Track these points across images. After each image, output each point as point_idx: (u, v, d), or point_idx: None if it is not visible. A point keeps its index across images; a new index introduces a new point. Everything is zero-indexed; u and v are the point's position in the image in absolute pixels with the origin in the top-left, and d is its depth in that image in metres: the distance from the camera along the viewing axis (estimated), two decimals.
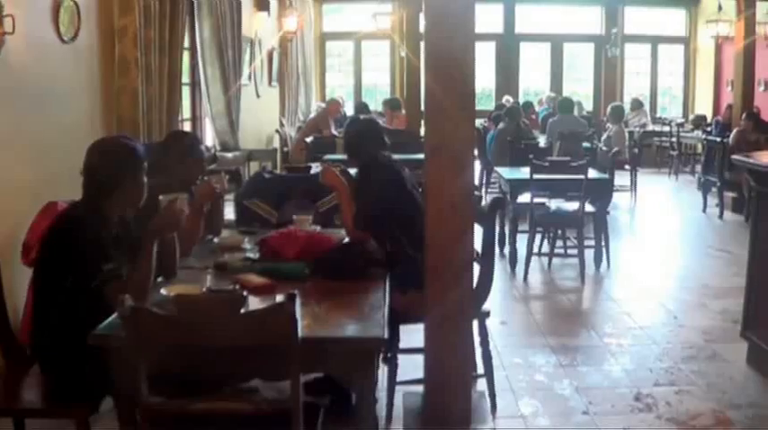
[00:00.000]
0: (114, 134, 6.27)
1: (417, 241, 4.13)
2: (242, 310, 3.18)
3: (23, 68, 5.35)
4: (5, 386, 3.89)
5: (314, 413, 3.41)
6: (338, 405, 4.31)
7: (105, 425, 3.85)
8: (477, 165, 13.31)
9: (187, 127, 9.93)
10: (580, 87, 20.68)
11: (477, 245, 4.51)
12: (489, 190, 13.20)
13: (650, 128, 18.20)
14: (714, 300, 7.51)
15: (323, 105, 15.83)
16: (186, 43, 8.91)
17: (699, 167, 14.61)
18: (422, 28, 4.07)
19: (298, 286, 3.74)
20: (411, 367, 4.66)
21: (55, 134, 5.69)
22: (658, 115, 19.92)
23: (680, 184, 16.08)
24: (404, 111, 14.14)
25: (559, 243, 9.12)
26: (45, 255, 3.82)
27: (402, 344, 4.84)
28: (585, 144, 12.41)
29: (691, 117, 19.04)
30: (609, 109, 14.50)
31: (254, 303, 3.59)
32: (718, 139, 12.54)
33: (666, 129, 17.92)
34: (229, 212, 6.33)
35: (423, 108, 4.03)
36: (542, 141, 13.06)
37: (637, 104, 18.52)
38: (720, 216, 12.05)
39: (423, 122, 4.30)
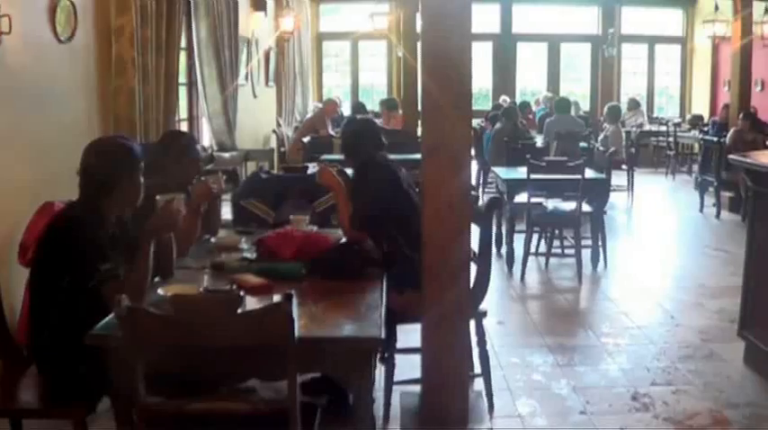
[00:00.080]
0: (111, 134, 6.27)
1: (414, 241, 4.13)
2: (239, 310, 3.17)
3: (20, 68, 5.35)
4: (2, 386, 3.89)
5: (311, 413, 3.41)
6: (335, 405, 4.32)
7: (102, 425, 3.85)
8: (474, 165, 13.31)
9: (184, 127, 9.92)
10: (577, 87, 20.68)
11: (474, 245, 4.51)
12: (486, 190, 13.19)
13: (647, 128, 18.19)
14: (711, 300, 7.52)
15: (320, 105, 15.84)
16: (183, 43, 8.90)
17: (696, 167, 14.60)
18: (419, 28, 4.05)
19: (294, 286, 3.75)
20: (408, 367, 4.67)
21: (52, 134, 5.69)
22: (655, 115, 19.94)
23: (677, 184, 16.09)
24: (401, 112, 14.13)
25: (556, 243, 9.12)
26: (42, 255, 3.82)
27: (399, 344, 4.85)
28: (582, 144, 12.41)
29: (687, 117, 19.07)
30: (606, 109, 14.52)
31: (252, 303, 3.58)
32: (715, 139, 12.55)
33: (663, 128, 17.91)
34: (226, 212, 6.33)
35: (420, 108, 4.02)
36: (539, 141, 13.05)
37: (634, 104, 18.51)
38: (717, 216, 12.06)
39: (419, 122, 4.29)
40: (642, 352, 6.18)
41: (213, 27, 10.02)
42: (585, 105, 19.49)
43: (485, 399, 4.97)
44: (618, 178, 12.23)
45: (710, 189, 12.42)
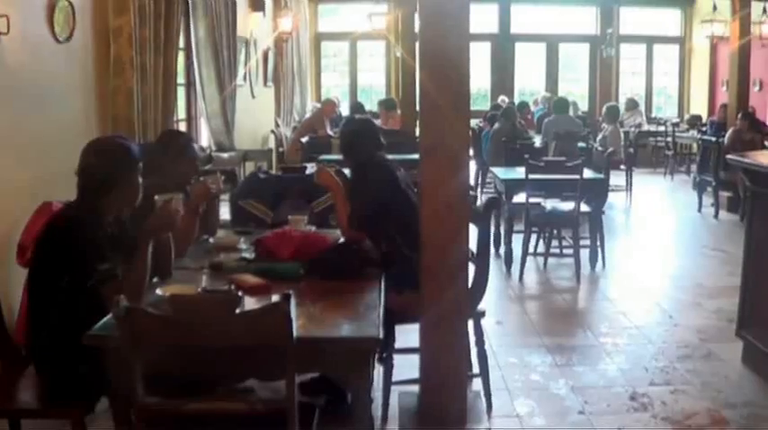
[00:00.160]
0: (109, 134, 6.27)
1: (413, 241, 4.13)
2: (237, 310, 3.18)
3: (18, 69, 5.35)
4: (1, 386, 3.89)
5: (309, 413, 3.41)
6: (334, 405, 4.32)
7: (101, 425, 3.86)
8: (473, 166, 13.31)
9: (182, 127, 9.92)
10: (575, 87, 20.68)
11: (473, 245, 4.52)
12: (485, 190, 13.20)
13: (645, 128, 18.20)
14: (709, 300, 7.52)
15: (318, 106, 15.84)
16: (181, 43, 8.90)
17: (694, 167, 14.62)
18: (417, 28, 4.06)
19: (293, 286, 3.75)
20: (407, 367, 4.66)
21: (50, 134, 5.69)
22: (653, 115, 19.94)
23: (675, 184, 16.09)
24: (399, 112, 14.13)
25: (555, 243, 9.12)
26: (40, 256, 3.82)
27: (398, 344, 4.85)
28: (581, 144, 12.40)
29: (686, 117, 19.07)
30: (604, 109, 14.54)
31: (250, 303, 3.58)
32: (714, 139, 12.55)
33: (662, 129, 17.93)
34: (225, 212, 6.32)
35: (418, 108, 4.02)
36: (538, 141, 13.05)
37: (632, 104, 18.51)
38: (716, 215, 12.06)
39: (418, 122, 4.29)
40: (640, 352, 6.18)
41: (211, 27, 10.02)
42: (584, 105, 19.48)
43: (483, 399, 4.96)
44: (616, 178, 12.24)
45: (709, 189, 12.42)
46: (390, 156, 5.63)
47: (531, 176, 8.37)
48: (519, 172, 8.83)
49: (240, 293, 3.52)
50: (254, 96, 13.28)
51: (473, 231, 4.35)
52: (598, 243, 8.80)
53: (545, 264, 8.98)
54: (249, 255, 4.55)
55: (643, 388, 5.44)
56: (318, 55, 20.35)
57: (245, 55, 12.52)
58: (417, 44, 4.01)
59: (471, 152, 13.14)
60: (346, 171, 5.60)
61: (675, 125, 17.61)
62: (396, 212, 5.00)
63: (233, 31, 10.93)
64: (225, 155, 10.46)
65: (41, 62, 5.69)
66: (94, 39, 6.46)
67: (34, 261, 3.87)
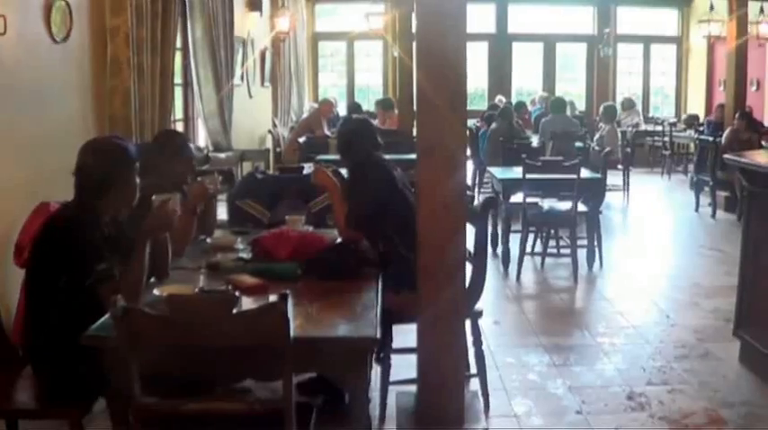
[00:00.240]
0: (106, 134, 6.27)
1: (410, 241, 4.13)
2: (234, 311, 3.17)
3: (15, 68, 5.35)
4: None
5: (307, 413, 3.41)
6: (331, 405, 4.32)
7: (98, 425, 3.87)
8: (470, 165, 13.31)
9: (179, 127, 9.91)
10: (572, 87, 20.70)
11: (470, 244, 4.52)
12: (482, 190, 13.20)
13: (643, 127, 18.21)
14: (706, 299, 7.53)
15: (315, 105, 15.84)
16: (178, 43, 8.89)
17: (691, 167, 14.64)
18: (414, 28, 4.05)
19: (290, 286, 3.75)
20: (404, 367, 4.66)
21: (47, 134, 5.69)
22: (651, 115, 19.96)
23: (672, 184, 16.11)
24: (396, 112, 14.13)
25: (552, 242, 9.14)
26: (37, 256, 3.82)
27: (395, 344, 4.85)
28: (578, 144, 12.43)
29: (683, 116, 19.08)
30: (601, 108, 14.53)
31: (247, 303, 3.59)
32: (711, 139, 12.57)
33: (659, 128, 17.95)
34: (222, 213, 6.32)
35: (415, 108, 4.02)
36: (535, 141, 13.07)
37: (629, 104, 18.52)
38: (713, 215, 12.08)
39: (415, 122, 4.29)
40: (638, 351, 6.18)
41: (208, 27, 10.02)
42: (581, 105, 19.47)
43: (480, 399, 4.96)
44: (613, 178, 12.25)
45: (706, 189, 12.44)
46: (388, 156, 5.63)
47: (529, 176, 8.37)
48: (516, 172, 8.84)
49: (237, 293, 3.52)
50: (251, 96, 13.27)
51: (470, 231, 4.36)
52: (595, 243, 8.80)
53: (542, 263, 8.98)
54: (246, 255, 4.55)
55: (640, 387, 5.44)
56: (315, 55, 20.35)
57: (242, 55, 12.52)
58: (414, 44, 4.00)
59: (468, 152, 13.13)
60: (343, 171, 5.60)
61: (672, 125, 17.61)
62: (393, 212, 5.00)
63: (230, 31, 10.92)
64: (222, 155, 10.45)
65: (38, 62, 5.68)
66: (91, 39, 6.45)
67: (31, 261, 3.87)
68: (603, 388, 5.47)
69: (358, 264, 4.25)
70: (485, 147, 13.04)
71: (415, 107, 4.03)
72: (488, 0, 19.56)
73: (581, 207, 8.50)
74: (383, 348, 4.67)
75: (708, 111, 18.66)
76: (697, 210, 12.56)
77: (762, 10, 15.40)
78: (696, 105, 19.65)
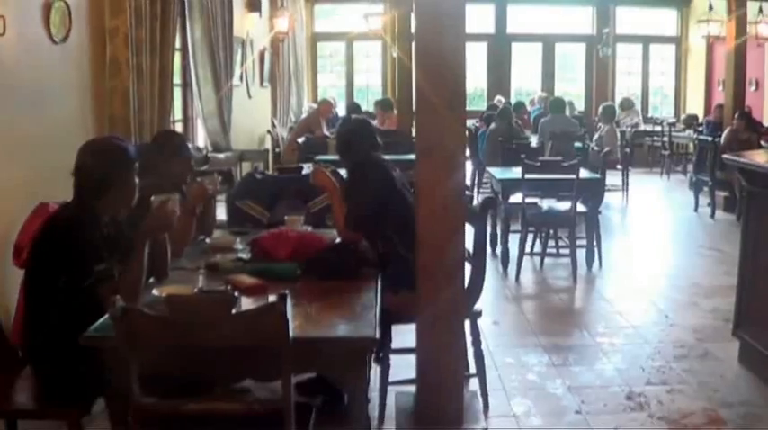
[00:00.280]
0: (106, 134, 6.27)
1: (409, 241, 4.13)
2: (233, 311, 3.18)
3: (15, 69, 5.35)
4: None
5: (306, 413, 3.41)
6: (331, 405, 4.33)
7: (98, 425, 3.86)
8: (469, 166, 13.32)
9: (179, 128, 9.93)
10: (572, 87, 20.70)
11: (469, 245, 4.52)
12: (481, 190, 13.19)
13: (642, 127, 18.22)
14: (705, 299, 7.53)
15: (314, 106, 15.83)
16: (177, 44, 8.89)
17: (690, 167, 14.65)
18: (413, 28, 4.06)
19: (289, 286, 3.75)
20: (403, 367, 4.66)
21: (47, 135, 5.69)
22: (650, 115, 19.97)
23: (671, 184, 16.12)
24: (395, 112, 14.13)
25: (551, 243, 9.14)
26: (37, 256, 3.82)
27: (394, 344, 4.85)
28: (577, 144, 12.44)
29: (682, 117, 19.08)
30: (600, 109, 14.53)
31: (246, 304, 3.59)
32: (710, 139, 12.57)
33: (658, 128, 17.95)
34: (221, 213, 6.32)
35: (414, 108, 4.02)
36: (534, 141, 13.07)
37: (627, 104, 18.52)
38: (712, 215, 12.08)
39: (414, 123, 4.29)
40: (637, 351, 6.18)
41: (208, 28, 10.02)
42: (580, 105, 19.46)
43: (480, 399, 4.96)
44: (613, 178, 12.26)
45: (705, 188, 12.44)
46: (387, 157, 5.63)
47: (528, 176, 8.37)
48: (515, 172, 8.84)
49: (236, 294, 3.52)
50: (250, 97, 13.28)
51: (469, 231, 4.36)
52: (594, 243, 8.80)
53: (542, 263, 8.99)
54: (245, 255, 4.55)
55: (640, 387, 5.44)
56: (315, 55, 20.35)
57: (241, 55, 12.53)
58: (413, 44, 4.01)
59: (468, 152, 13.14)
60: (342, 171, 5.60)
61: (672, 125, 17.62)
62: (392, 212, 5.01)
63: (229, 32, 10.93)
64: (221, 155, 10.46)
65: (38, 63, 5.68)
66: (90, 39, 6.45)
67: (31, 261, 3.87)
68: (603, 388, 5.47)
69: (357, 264, 4.25)
70: (484, 148, 13.04)
71: (414, 107, 4.01)
72: (487, 0, 19.56)
73: (580, 207, 8.50)
74: (382, 348, 4.67)
75: (707, 111, 18.65)
76: (696, 210, 12.56)
77: (761, 10, 15.41)
78: (695, 105, 19.65)
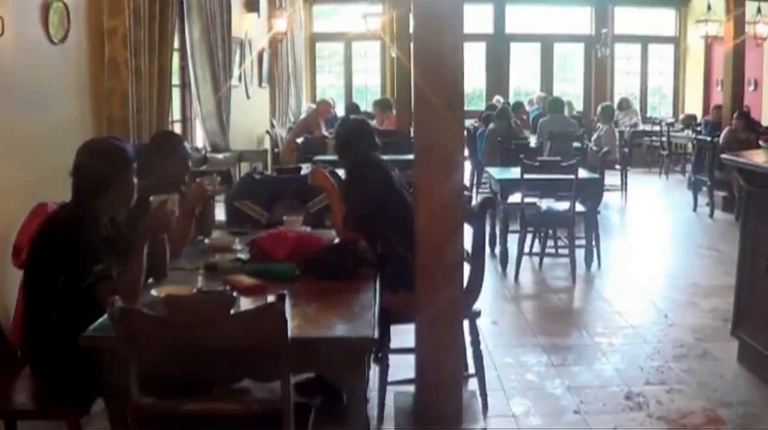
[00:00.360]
0: (104, 135, 6.27)
1: (408, 241, 4.14)
2: (232, 311, 3.18)
3: (13, 70, 5.35)
4: None
5: (305, 413, 3.41)
6: (330, 405, 4.32)
7: (97, 425, 3.87)
8: (468, 166, 13.33)
9: (177, 128, 9.93)
10: (570, 87, 20.70)
11: (468, 245, 4.52)
12: (480, 190, 13.20)
13: (641, 127, 18.23)
14: (704, 299, 7.53)
15: (313, 106, 15.82)
16: (176, 44, 8.89)
17: (689, 167, 14.66)
18: (412, 28, 4.05)
19: (288, 287, 3.75)
20: (402, 367, 4.66)
21: (45, 135, 5.68)
22: (648, 115, 19.98)
23: (670, 184, 16.12)
24: (394, 112, 14.13)
25: (550, 243, 9.14)
26: (36, 256, 3.82)
27: (393, 345, 4.84)
28: (576, 144, 12.44)
29: (681, 116, 19.07)
30: (599, 109, 14.55)
31: (245, 304, 3.59)
32: (708, 139, 12.57)
33: (657, 128, 17.96)
34: (220, 213, 6.32)
35: (413, 108, 4.02)
36: (533, 141, 13.08)
37: (625, 104, 18.54)
38: (711, 215, 12.08)
39: (413, 123, 4.29)
40: (636, 351, 6.18)
41: (206, 28, 10.02)
42: (579, 105, 19.47)
43: (479, 399, 4.97)
44: (611, 178, 12.25)
45: (704, 188, 12.45)
46: (386, 157, 5.64)
47: (527, 176, 8.37)
48: (514, 172, 8.84)
49: (235, 294, 3.52)
50: (248, 97, 13.28)
51: (468, 231, 4.36)
52: (593, 243, 8.81)
53: (540, 263, 8.99)
54: (244, 255, 4.55)
55: (638, 387, 5.44)
56: (313, 56, 20.35)
57: (239, 56, 12.53)
58: (412, 44, 4.01)
59: (466, 152, 13.14)
60: (341, 172, 5.60)
61: (670, 125, 17.63)
62: (391, 213, 5.01)
63: (228, 32, 10.93)
64: (220, 156, 10.46)
65: (36, 63, 5.68)
66: (89, 40, 6.45)
67: (30, 262, 3.87)
68: (602, 388, 5.47)
69: (356, 264, 4.25)
70: (483, 148, 13.04)
71: (412, 107, 4.01)
72: (486, 0, 19.56)
73: (579, 207, 8.50)
74: (381, 348, 4.67)
75: (705, 111, 18.64)
76: (695, 209, 12.56)
77: (759, 10, 15.41)
78: (694, 105, 19.65)
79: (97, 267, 3.65)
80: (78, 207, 3.83)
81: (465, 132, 8.34)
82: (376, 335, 3.31)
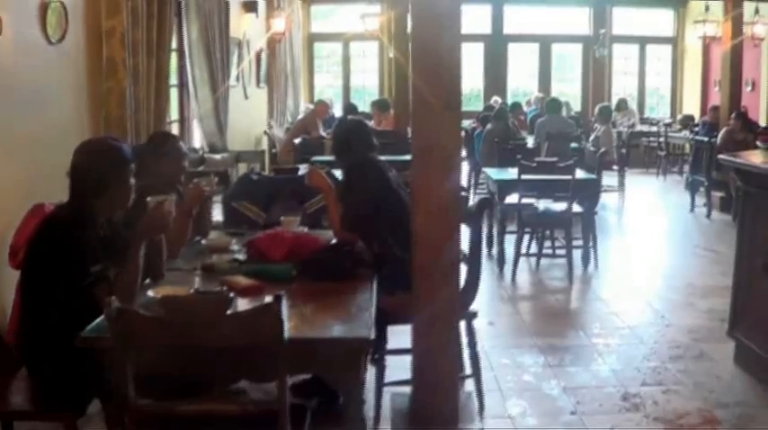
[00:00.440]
0: (102, 135, 6.27)
1: (405, 242, 4.14)
2: (229, 311, 3.18)
3: (11, 70, 5.34)
4: None
5: (301, 414, 3.41)
6: (326, 406, 4.33)
7: (94, 426, 3.87)
8: (466, 166, 13.34)
9: (175, 128, 9.92)
10: (568, 88, 20.69)
11: (465, 245, 4.53)
12: (478, 190, 13.20)
13: (638, 128, 18.24)
14: (701, 300, 7.54)
15: (311, 107, 15.83)
16: (174, 44, 8.89)
17: (686, 167, 14.66)
18: (410, 28, 4.06)
19: (285, 287, 3.75)
20: (399, 368, 4.66)
21: (43, 135, 5.68)
22: (646, 115, 20.00)
23: (668, 184, 16.12)
24: (392, 112, 14.13)
25: (547, 243, 9.13)
26: (32, 257, 3.82)
27: (390, 345, 4.84)
28: (573, 144, 12.45)
29: (678, 117, 19.07)
30: (597, 109, 14.56)
31: (242, 305, 3.59)
32: (706, 139, 12.58)
33: (654, 129, 17.97)
34: (217, 214, 6.32)
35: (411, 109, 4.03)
36: (530, 142, 13.08)
37: (623, 105, 18.55)
38: (708, 215, 12.08)
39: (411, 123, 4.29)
40: (633, 352, 6.19)
41: (204, 28, 10.02)
42: (577, 106, 19.48)
43: (475, 400, 4.97)
44: (609, 178, 12.27)
45: (701, 189, 12.46)
46: (384, 158, 5.63)
47: (524, 177, 8.39)
48: (511, 172, 8.85)
49: (232, 295, 3.52)
50: (246, 97, 13.27)
51: (465, 232, 4.36)
52: (590, 243, 8.81)
53: (537, 264, 8.99)
54: (241, 256, 4.55)
55: (635, 388, 5.45)
56: (311, 56, 20.34)
57: (237, 56, 12.52)
58: (410, 44, 4.01)
59: (464, 153, 13.15)
60: (338, 172, 5.60)
61: (668, 125, 17.64)
62: (388, 213, 5.00)
63: (226, 32, 10.93)
64: (217, 156, 10.45)
65: (34, 63, 5.68)
66: (87, 40, 6.45)
67: (27, 262, 3.87)
68: (598, 388, 5.47)
69: (353, 265, 4.25)
70: (480, 148, 13.04)
71: (410, 108, 4.02)
72: (484, 1, 19.55)
73: (576, 208, 8.51)
74: (378, 349, 4.67)
75: (703, 111, 18.65)
76: (692, 210, 12.57)
77: (757, 10, 15.42)
78: (691, 106, 19.66)
79: (94, 268, 3.65)
80: (76, 207, 3.83)
81: (463, 133, 8.35)
82: (373, 336, 3.31)
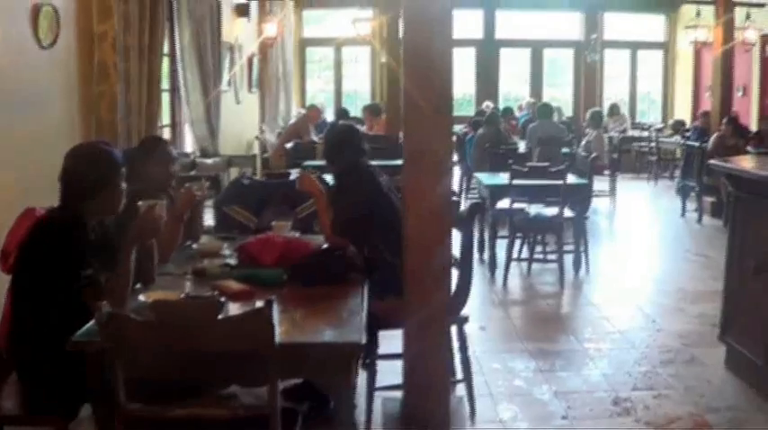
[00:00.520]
0: (93, 139, 6.26)
1: (396, 247, 4.14)
2: (220, 316, 3.17)
3: (2, 74, 5.34)
4: None
5: (292, 419, 3.41)
6: (317, 411, 4.32)
7: None
8: (457, 171, 13.35)
9: (166, 133, 9.91)
10: (560, 93, 20.69)
11: (456, 250, 4.53)
12: (469, 195, 13.20)
13: (629, 133, 18.28)
14: (692, 305, 7.55)
15: (303, 111, 15.82)
16: (166, 49, 8.89)
17: (677, 172, 14.69)
18: (401, 33, 4.06)
19: (276, 292, 3.75)
20: (390, 373, 4.66)
21: (34, 139, 5.68)
22: (637, 120, 20.02)
23: (659, 189, 16.15)
24: (384, 117, 14.13)
25: (539, 248, 9.14)
26: (23, 261, 3.81)
27: (381, 350, 4.84)
28: (565, 149, 12.47)
29: (670, 122, 19.10)
30: (588, 114, 14.59)
31: (233, 310, 3.59)
32: (697, 144, 12.61)
33: (645, 134, 18.00)
34: (208, 218, 6.32)
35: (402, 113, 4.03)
36: (522, 147, 13.09)
37: (615, 110, 18.58)
38: (699, 220, 12.11)
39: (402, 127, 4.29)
40: (624, 356, 6.19)
41: (196, 33, 10.01)
42: (568, 111, 19.49)
43: (466, 405, 4.98)
44: (600, 183, 12.27)
45: (692, 194, 12.49)
46: (375, 162, 5.64)
47: (515, 182, 8.40)
48: (503, 177, 8.86)
49: (223, 299, 3.51)
50: (238, 102, 13.28)
51: (456, 236, 4.37)
52: (582, 248, 8.83)
53: (529, 269, 8.99)
54: (232, 261, 4.55)
55: (626, 392, 5.45)
56: (303, 61, 20.32)
57: (229, 60, 12.52)
58: (402, 49, 4.01)
59: (455, 157, 13.17)
60: (329, 177, 5.60)
61: (659, 130, 17.68)
62: (379, 218, 5.00)
63: (218, 37, 10.93)
64: (209, 160, 10.44)
65: (25, 67, 5.68)
66: (78, 44, 6.45)
67: (18, 266, 3.86)
68: (589, 393, 5.48)
69: (344, 269, 4.25)
70: (471, 153, 13.03)
71: (402, 112, 4.02)
72: (476, 6, 19.55)
73: (567, 212, 8.53)
74: (369, 354, 4.67)
75: (694, 116, 18.66)
76: (683, 215, 12.59)
77: (748, 16, 15.46)
78: (683, 111, 19.70)
79: (85, 272, 3.64)
80: (67, 211, 3.82)
81: (454, 138, 8.35)
82: (364, 341, 3.31)
